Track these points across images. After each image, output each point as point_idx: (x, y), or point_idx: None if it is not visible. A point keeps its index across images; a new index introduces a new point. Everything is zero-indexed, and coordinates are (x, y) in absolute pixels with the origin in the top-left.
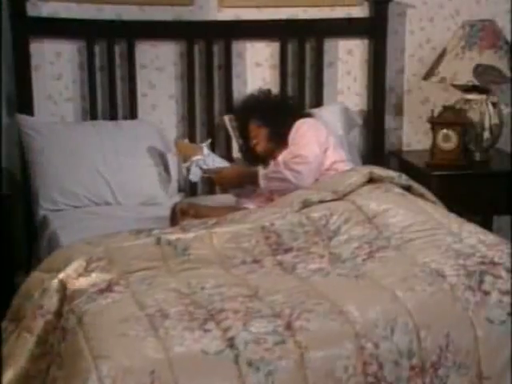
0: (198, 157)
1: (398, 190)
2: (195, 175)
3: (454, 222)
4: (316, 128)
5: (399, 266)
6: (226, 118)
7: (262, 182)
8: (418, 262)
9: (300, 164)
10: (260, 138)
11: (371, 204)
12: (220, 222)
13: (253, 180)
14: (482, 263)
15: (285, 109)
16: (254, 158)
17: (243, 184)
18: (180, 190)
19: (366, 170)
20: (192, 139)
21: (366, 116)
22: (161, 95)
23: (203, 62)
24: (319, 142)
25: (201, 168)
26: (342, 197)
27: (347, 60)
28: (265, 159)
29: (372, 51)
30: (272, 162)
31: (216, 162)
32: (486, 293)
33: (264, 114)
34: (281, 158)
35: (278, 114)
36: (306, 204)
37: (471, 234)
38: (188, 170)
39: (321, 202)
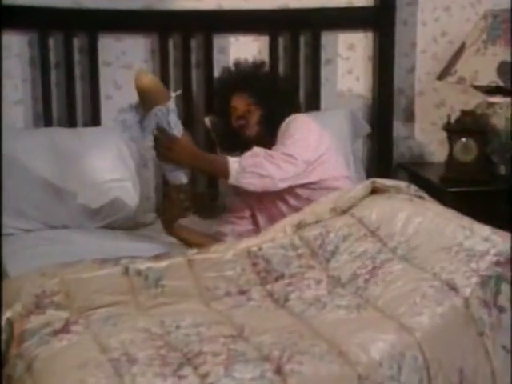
0: (160, 107)
1: (403, 196)
2: (147, 133)
3: (465, 218)
4: (312, 129)
5: (405, 283)
6: (207, 120)
7: (233, 174)
8: (427, 273)
9: (287, 163)
10: (250, 119)
11: (373, 214)
12: (201, 251)
13: (216, 169)
14: (498, 263)
15: (285, 94)
16: (234, 145)
17: (196, 169)
18: (150, 209)
19: (368, 181)
20: None
21: (370, 122)
22: (128, 98)
23: (179, 60)
24: (314, 148)
25: (157, 126)
26: (340, 213)
27: (348, 56)
28: (248, 148)
29: (377, 46)
30: (247, 153)
31: (175, 126)
32: (502, 309)
33: (259, 91)
34: (259, 150)
35: (276, 96)
36: (301, 226)
37: (483, 226)
38: (140, 122)
39: (318, 222)
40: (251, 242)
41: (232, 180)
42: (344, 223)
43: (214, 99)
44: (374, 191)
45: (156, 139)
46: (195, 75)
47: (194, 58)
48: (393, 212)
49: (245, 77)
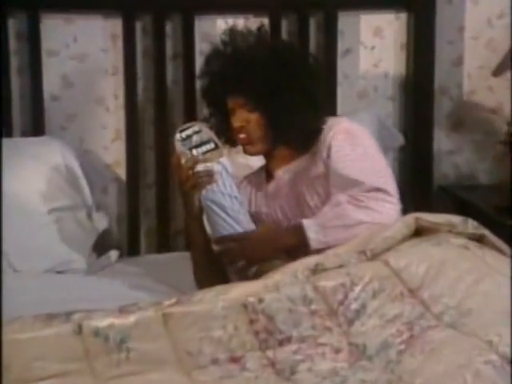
0: (211, 186)
1: (457, 240)
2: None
3: None
4: (374, 142)
5: (452, 356)
6: (200, 127)
7: (312, 237)
8: (480, 344)
9: (381, 201)
10: (252, 131)
11: (414, 266)
12: (181, 302)
13: (293, 241)
14: None
15: (310, 84)
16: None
17: (279, 250)
18: (112, 246)
19: (410, 217)
20: (135, 167)
21: (403, 132)
22: (82, 100)
23: (149, 48)
24: (390, 172)
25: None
26: (371, 257)
27: (374, 45)
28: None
29: (413, 31)
30: (326, 207)
31: (230, 191)
32: None
33: (262, 89)
34: (341, 197)
35: (297, 90)
36: (318, 272)
37: None
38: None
39: (341, 267)
40: (248, 289)
41: (313, 244)
42: (375, 274)
43: (201, 100)
44: (417, 230)
45: (220, 241)
46: (171, 69)
47: (169, 47)
48: (442, 266)
49: (246, 67)
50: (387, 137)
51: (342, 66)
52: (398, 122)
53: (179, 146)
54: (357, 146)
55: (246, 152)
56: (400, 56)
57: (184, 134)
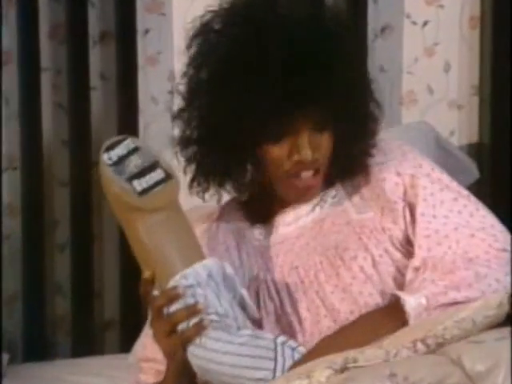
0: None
1: None
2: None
3: None
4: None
5: None
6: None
7: (413, 313)
8: None
9: (499, 259)
10: (323, 158)
11: (501, 374)
12: None
13: (391, 324)
14: None
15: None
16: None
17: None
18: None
19: (501, 296)
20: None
21: (477, 158)
22: None
23: (62, 30)
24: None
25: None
26: (434, 349)
27: (427, 19)
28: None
29: (490, 2)
30: (430, 262)
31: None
32: None
33: (340, 93)
34: (457, 257)
35: (361, 93)
36: (347, 369)
37: None
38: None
39: (385, 362)
40: None
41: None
42: (436, 376)
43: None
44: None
45: None
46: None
47: (92, 28)
48: None
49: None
50: (450, 165)
51: (377, 51)
52: (467, 141)
53: (110, 174)
54: (452, 194)
55: (305, 196)
56: (470, 37)
57: (114, 155)
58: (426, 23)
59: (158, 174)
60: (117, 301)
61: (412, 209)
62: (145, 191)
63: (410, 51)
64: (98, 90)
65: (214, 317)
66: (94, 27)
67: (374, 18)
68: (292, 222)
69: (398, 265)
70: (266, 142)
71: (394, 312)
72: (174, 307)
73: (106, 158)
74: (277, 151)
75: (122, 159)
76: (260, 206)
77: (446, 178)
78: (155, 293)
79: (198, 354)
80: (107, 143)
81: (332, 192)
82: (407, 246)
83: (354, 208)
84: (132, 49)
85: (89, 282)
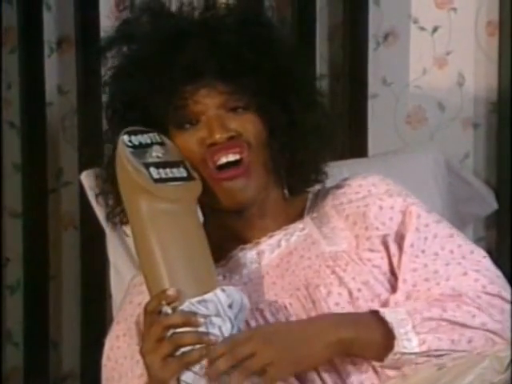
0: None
1: None
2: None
3: None
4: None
5: None
6: (85, 177)
7: (401, 335)
8: None
9: (497, 307)
10: (251, 140)
11: None
12: None
13: (376, 333)
14: None
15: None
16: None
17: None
18: None
19: (504, 357)
20: None
21: (494, 188)
22: None
23: None
24: None
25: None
26: None
27: (437, 24)
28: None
29: (511, 9)
30: (421, 293)
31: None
32: None
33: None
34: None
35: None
36: None
37: None
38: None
39: None
40: None
41: (399, 347)
42: None
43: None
44: None
45: None
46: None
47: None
48: None
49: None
50: (464, 194)
51: (379, 61)
52: (484, 166)
53: (127, 154)
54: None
55: (235, 196)
56: (487, 45)
57: (135, 140)
58: (436, 29)
59: (179, 172)
60: (76, 351)
61: (399, 237)
62: (161, 180)
63: (418, 61)
64: (55, 106)
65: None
66: (50, 32)
67: (376, 22)
68: (254, 260)
69: (380, 300)
70: (173, 130)
71: (373, 319)
72: (182, 329)
73: (126, 139)
74: (187, 139)
75: (143, 146)
76: (217, 245)
77: (436, 215)
78: (168, 310)
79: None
80: (129, 128)
81: (299, 225)
82: (391, 278)
83: (326, 240)
84: (95, 57)
85: (44, 329)
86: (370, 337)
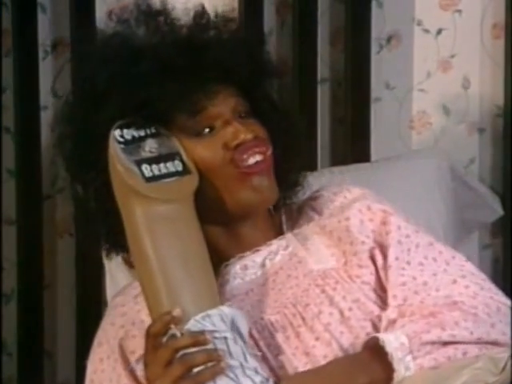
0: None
1: None
2: None
3: None
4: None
5: None
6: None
7: (397, 360)
8: None
9: (504, 315)
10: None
11: None
12: None
13: (373, 366)
14: None
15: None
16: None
17: None
18: None
19: (500, 358)
20: None
21: (500, 193)
22: None
23: None
24: None
25: None
26: None
27: (441, 26)
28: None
29: None
30: (417, 315)
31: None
32: None
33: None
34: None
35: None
36: None
37: None
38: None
39: None
40: None
41: (401, 371)
42: None
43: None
44: None
45: None
46: None
47: None
48: None
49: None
50: (469, 201)
51: (382, 65)
52: (489, 172)
53: (116, 151)
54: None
55: (263, 192)
56: (492, 48)
57: (128, 134)
58: (440, 31)
59: (174, 165)
60: (71, 361)
61: (383, 250)
62: (154, 178)
63: (422, 64)
64: (49, 110)
65: (232, 362)
66: (45, 35)
67: (379, 25)
68: (238, 275)
69: (373, 318)
70: (185, 139)
71: (373, 354)
72: (191, 349)
73: (118, 134)
74: (209, 144)
75: (136, 140)
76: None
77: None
78: (176, 333)
79: None
80: (121, 121)
81: (282, 242)
82: (381, 293)
83: (313, 258)
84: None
85: (39, 339)
86: (377, 376)
